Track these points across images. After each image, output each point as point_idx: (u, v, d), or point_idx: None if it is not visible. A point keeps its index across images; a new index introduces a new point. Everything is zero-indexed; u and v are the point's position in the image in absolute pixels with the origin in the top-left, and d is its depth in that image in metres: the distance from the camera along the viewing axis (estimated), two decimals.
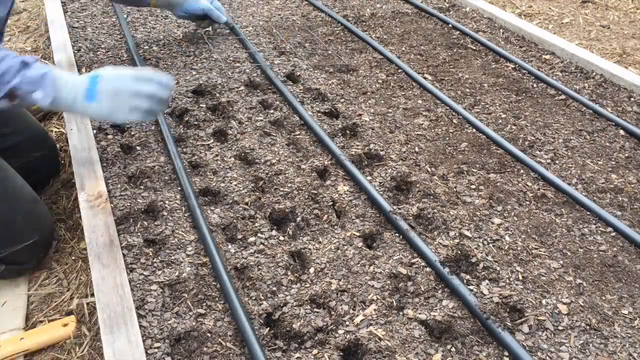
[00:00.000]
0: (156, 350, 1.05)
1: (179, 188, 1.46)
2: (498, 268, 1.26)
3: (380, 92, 1.96)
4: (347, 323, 1.12)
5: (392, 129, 1.75)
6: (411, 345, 1.09)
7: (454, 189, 1.50)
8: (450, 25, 2.48)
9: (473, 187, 1.52)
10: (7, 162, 1.51)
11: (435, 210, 1.42)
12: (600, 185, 1.55)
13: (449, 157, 1.63)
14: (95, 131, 1.65)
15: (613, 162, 1.65)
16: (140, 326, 1.09)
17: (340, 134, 1.71)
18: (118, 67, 1.33)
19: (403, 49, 2.27)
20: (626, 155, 1.68)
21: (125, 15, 2.40)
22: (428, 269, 1.25)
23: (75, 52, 2.07)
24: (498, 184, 1.53)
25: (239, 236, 1.33)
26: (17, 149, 1.57)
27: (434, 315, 1.14)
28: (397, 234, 1.35)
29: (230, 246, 1.30)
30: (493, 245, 1.33)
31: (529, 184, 1.54)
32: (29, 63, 1.16)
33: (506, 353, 1.08)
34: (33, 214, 1.37)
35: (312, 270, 1.24)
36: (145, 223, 1.35)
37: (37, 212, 1.39)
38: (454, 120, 1.81)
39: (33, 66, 1.17)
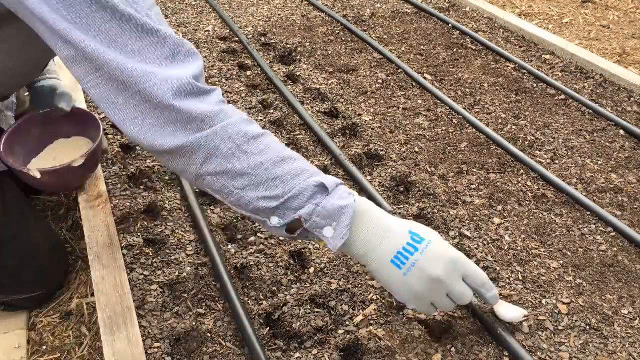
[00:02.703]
0: (156, 350, 1.05)
1: (179, 188, 1.46)
2: (498, 268, 1.26)
3: (380, 92, 1.96)
4: (347, 323, 1.12)
5: (392, 129, 1.75)
6: (411, 345, 1.09)
7: (454, 189, 1.50)
8: (450, 25, 2.48)
9: (473, 187, 1.52)
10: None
11: (435, 210, 1.42)
12: (600, 185, 1.55)
13: (449, 157, 1.63)
14: None
15: (613, 162, 1.65)
16: (140, 326, 1.09)
17: (340, 134, 1.71)
18: (447, 244, 0.95)
19: (403, 49, 2.27)
20: (626, 155, 1.68)
21: None
22: None
23: None
24: (498, 184, 1.53)
25: (239, 236, 1.33)
26: None
27: (434, 315, 1.14)
28: None
29: (230, 246, 1.30)
30: (493, 245, 1.33)
31: (529, 184, 1.54)
32: (329, 187, 0.87)
33: (506, 353, 1.08)
34: (44, 269, 1.32)
35: (312, 270, 1.24)
36: (145, 223, 1.35)
37: (50, 267, 1.33)
38: (454, 120, 1.81)
39: (334, 192, 0.87)
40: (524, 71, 2.12)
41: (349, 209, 0.86)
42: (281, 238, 0.99)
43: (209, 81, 1.93)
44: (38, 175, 1.26)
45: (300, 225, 0.88)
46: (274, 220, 0.88)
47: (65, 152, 1.33)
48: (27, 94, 1.47)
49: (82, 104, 1.67)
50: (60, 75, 1.48)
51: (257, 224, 1.36)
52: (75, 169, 1.29)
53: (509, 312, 1.09)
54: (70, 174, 1.31)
